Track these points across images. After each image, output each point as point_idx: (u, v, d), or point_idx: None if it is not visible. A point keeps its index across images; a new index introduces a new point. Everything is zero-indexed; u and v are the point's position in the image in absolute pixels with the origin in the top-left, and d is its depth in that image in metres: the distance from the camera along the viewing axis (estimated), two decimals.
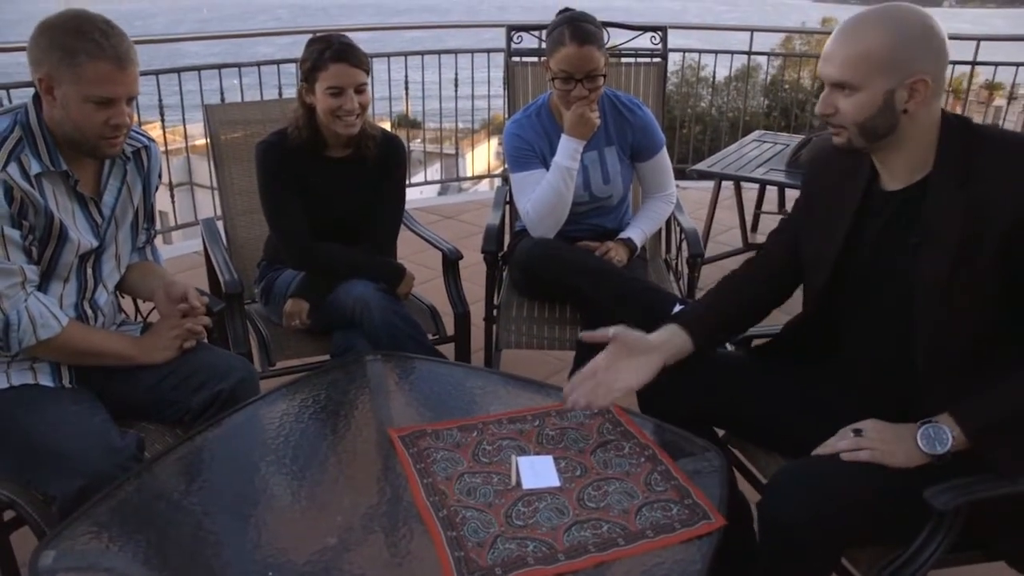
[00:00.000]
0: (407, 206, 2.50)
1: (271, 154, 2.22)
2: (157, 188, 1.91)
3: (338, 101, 2.12)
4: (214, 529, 1.31)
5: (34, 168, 1.55)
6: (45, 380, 1.65)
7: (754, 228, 4.30)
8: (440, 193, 7.31)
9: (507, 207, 2.82)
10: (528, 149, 2.38)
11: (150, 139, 1.84)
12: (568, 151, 2.29)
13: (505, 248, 2.73)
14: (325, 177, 2.27)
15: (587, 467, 1.47)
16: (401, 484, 1.41)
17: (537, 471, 1.45)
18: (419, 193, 6.17)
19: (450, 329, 2.48)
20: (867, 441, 1.44)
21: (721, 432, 1.86)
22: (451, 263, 2.50)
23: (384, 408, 1.74)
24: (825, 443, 1.48)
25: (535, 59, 3.00)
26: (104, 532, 1.30)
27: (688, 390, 1.75)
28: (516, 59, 3.02)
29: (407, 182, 2.57)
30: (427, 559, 1.23)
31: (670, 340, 1.68)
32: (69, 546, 1.26)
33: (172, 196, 4.36)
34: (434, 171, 7.98)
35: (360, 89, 2.15)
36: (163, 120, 4.29)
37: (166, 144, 4.67)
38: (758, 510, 1.46)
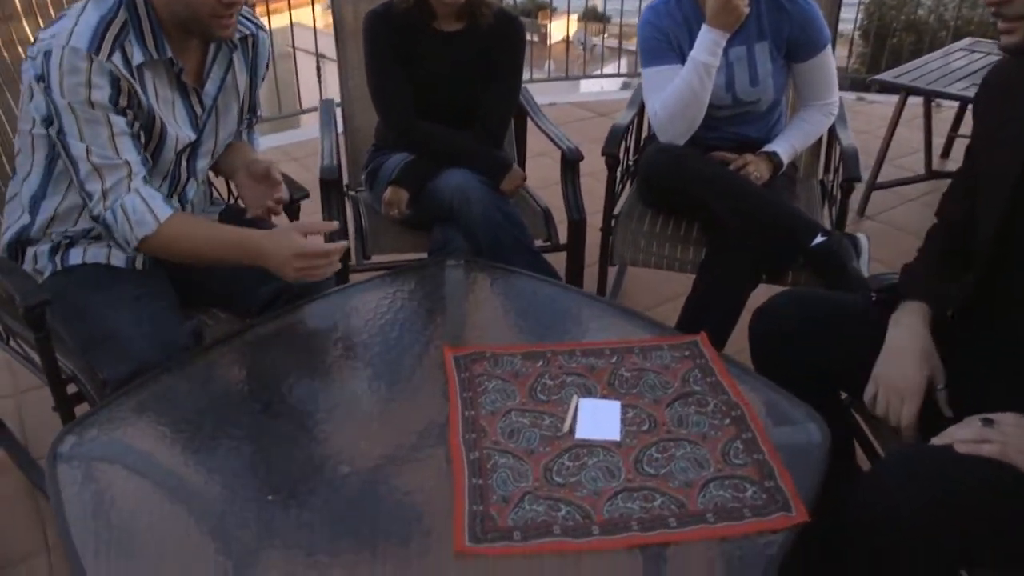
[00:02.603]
0: (566, 98, 2.27)
1: (377, 24, 2.07)
2: (264, 79, 1.78)
3: None
4: (236, 435, 1.21)
5: (137, 58, 1.43)
6: (118, 261, 1.58)
7: (945, 153, 3.72)
8: (623, 88, 6.92)
9: (643, 107, 2.52)
10: (663, 40, 2.06)
11: (259, 26, 1.70)
12: (708, 44, 1.96)
13: (635, 152, 2.47)
14: (433, 51, 2.08)
15: (657, 421, 1.25)
16: (441, 413, 1.25)
17: (597, 419, 1.25)
18: (599, 87, 5.86)
19: (563, 237, 2.27)
20: (996, 434, 1.13)
21: (844, 395, 1.58)
22: (570, 164, 2.27)
23: (452, 322, 1.58)
24: (945, 431, 1.19)
25: None
26: (130, 423, 1.24)
27: (815, 342, 1.48)
28: None
29: (583, 73, 2.32)
30: (441, 508, 1.07)
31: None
32: (92, 434, 1.21)
33: None
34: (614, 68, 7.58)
35: None
36: None
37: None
38: (853, 501, 1.20)
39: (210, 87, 1.60)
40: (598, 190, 2.32)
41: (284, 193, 1.64)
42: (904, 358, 1.36)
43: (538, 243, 2.18)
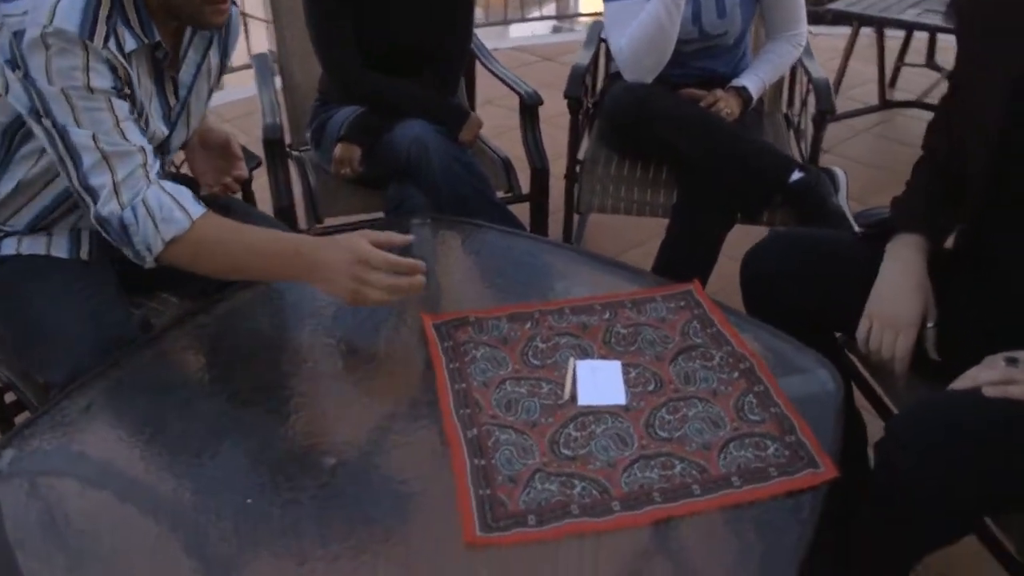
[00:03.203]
0: (502, 44, 2.14)
1: None
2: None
3: None
4: (202, 431, 1.07)
5: (129, 44, 1.21)
6: (59, 252, 1.37)
7: (892, 83, 3.68)
8: (553, 32, 6.72)
9: (601, 45, 2.40)
10: None
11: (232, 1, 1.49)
12: None
13: (597, 93, 2.36)
14: None
15: (663, 380, 1.16)
16: (428, 388, 1.14)
17: (598, 382, 1.15)
18: (530, 31, 5.67)
19: (526, 187, 2.16)
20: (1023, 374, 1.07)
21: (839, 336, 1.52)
22: (529, 109, 2.15)
23: (426, 286, 1.45)
24: (966, 374, 1.13)
25: None
26: (79, 428, 1.09)
27: (808, 282, 1.41)
28: None
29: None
30: (443, 495, 0.97)
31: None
32: (35, 445, 1.05)
33: None
34: (548, 10, 7.37)
35: None
36: None
37: None
38: (874, 459, 1.14)
39: (185, 76, 1.38)
40: (555, 136, 2.21)
41: (244, 171, 1.48)
42: (898, 291, 1.30)
43: (499, 195, 2.06)
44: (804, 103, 2.24)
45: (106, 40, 1.15)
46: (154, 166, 1.21)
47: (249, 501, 0.95)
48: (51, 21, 1.10)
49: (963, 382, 1.12)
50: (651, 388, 1.14)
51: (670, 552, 0.93)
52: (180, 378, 1.19)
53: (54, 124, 1.13)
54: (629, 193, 2.05)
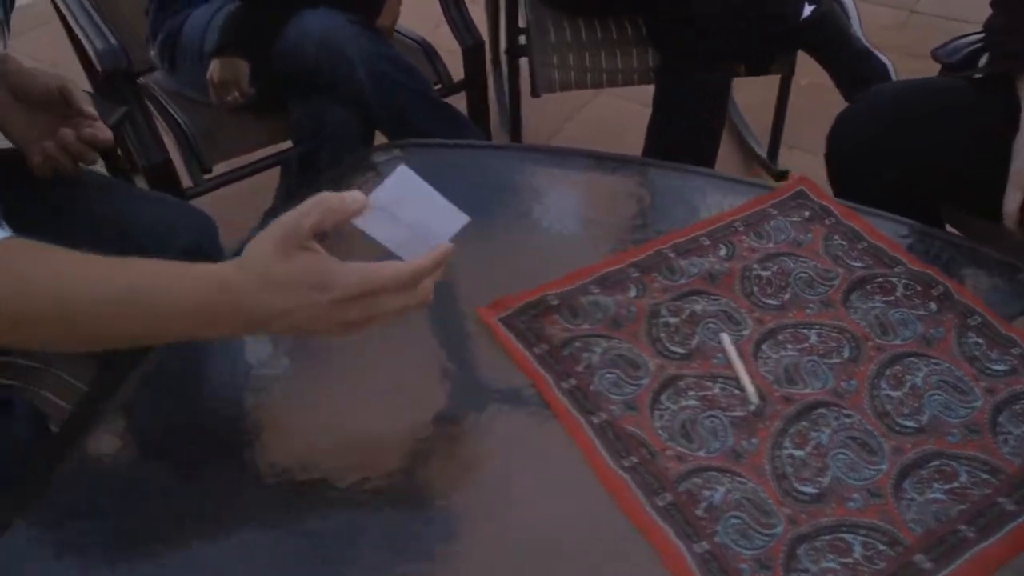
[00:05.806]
0: None
1: None
2: None
3: None
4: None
5: None
6: None
7: None
8: None
9: None
10: None
11: None
12: None
13: None
14: None
15: (856, 338, 0.83)
16: (542, 430, 0.76)
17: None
18: None
19: (456, 73, 1.73)
20: None
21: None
22: None
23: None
24: None
25: None
26: None
27: (910, 146, 1.12)
28: None
29: None
30: None
31: None
32: None
33: None
34: None
35: None
36: None
37: None
38: None
39: None
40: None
41: (103, 130, 0.94)
42: None
43: None
44: None
45: None
46: None
47: None
48: None
49: None
50: (847, 354, 0.81)
51: None
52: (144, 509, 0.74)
53: None
54: (595, 61, 1.65)
